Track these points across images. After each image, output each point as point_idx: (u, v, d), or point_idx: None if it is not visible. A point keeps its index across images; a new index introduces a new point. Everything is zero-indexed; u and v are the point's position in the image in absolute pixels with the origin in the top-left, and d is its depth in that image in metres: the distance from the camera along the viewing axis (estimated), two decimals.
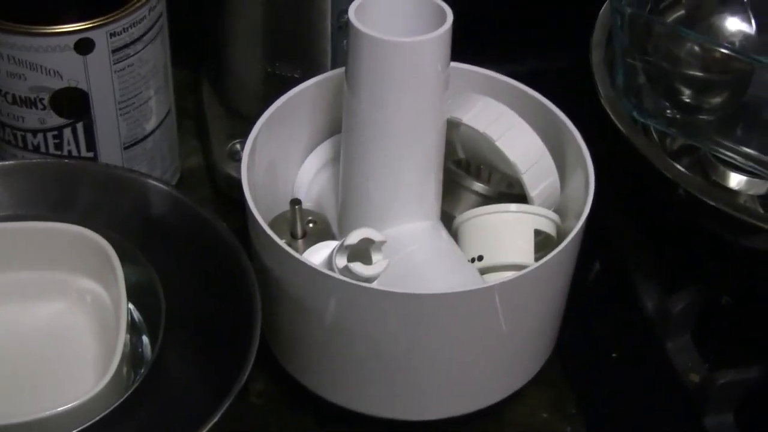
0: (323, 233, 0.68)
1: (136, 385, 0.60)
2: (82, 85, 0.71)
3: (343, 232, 0.67)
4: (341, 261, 0.60)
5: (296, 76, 0.77)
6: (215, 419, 0.57)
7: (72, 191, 0.69)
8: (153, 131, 0.76)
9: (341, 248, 0.60)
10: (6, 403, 0.62)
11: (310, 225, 0.68)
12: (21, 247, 0.65)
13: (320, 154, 0.72)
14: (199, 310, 0.64)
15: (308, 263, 0.61)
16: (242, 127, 0.80)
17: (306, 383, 0.67)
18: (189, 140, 0.85)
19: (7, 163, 0.71)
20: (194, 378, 0.62)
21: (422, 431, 0.66)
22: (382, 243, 0.60)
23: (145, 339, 0.65)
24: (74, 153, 0.74)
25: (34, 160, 0.72)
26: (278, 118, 0.69)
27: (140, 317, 0.66)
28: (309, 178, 0.71)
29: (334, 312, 0.62)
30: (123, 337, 0.61)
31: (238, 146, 0.80)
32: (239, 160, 0.79)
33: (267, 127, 0.68)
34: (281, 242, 0.61)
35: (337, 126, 0.70)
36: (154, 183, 0.69)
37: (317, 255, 0.63)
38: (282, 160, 0.70)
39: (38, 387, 0.63)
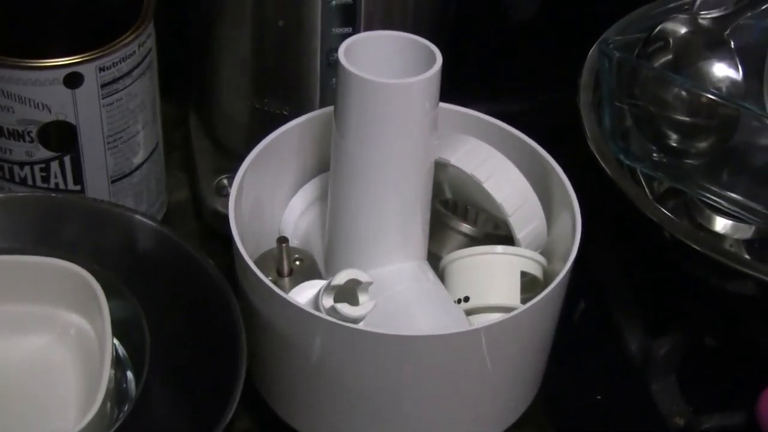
0: (310, 271, 0.68)
1: (119, 422, 0.60)
2: (71, 119, 0.71)
3: (330, 270, 0.67)
4: (328, 301, 0.60)
5: (285, 112, 0.77)
6: None
7: (58, 225, 0.68)
8: (140, 165, 0.76)
9: (328, 288, 0.60)
10: None
11: (297, 263, 0.68)
12: (5, 280, 0.65)
13: (307, 192, 0.72)
14: (184, 347, 0.64)
15: (294, 302, 0.61)
16: (229, 161, 0.80)
17: (291, 421, 0.66)
18: (176, 173, 0.85)
19: None
20: (178, 416, 0.62)
21: None
22: (369, 284, 0.60)
23: (129, 375, 0.65)
24: (61, 186, 0.74)
25: (20, 194, 0.71)
26: (266, 155, 0.69)
27: (125, 352, 0.65)
28: (296, 215, 0.71)
29: (320, 351, 0.62)
30: (107, 372, 0.60)
31: (225, 181, 0.80)
32: (226, 195, 0.80)
33: (255, 164, 0.68)
34: (267, 281, 0.61)
35: (325, 164, 0.70)
36: (141, 218, 0.69)
37: (303, 294, 0.63)
38: (269, 197, 0.70)
39: (21, 421, 0.63)
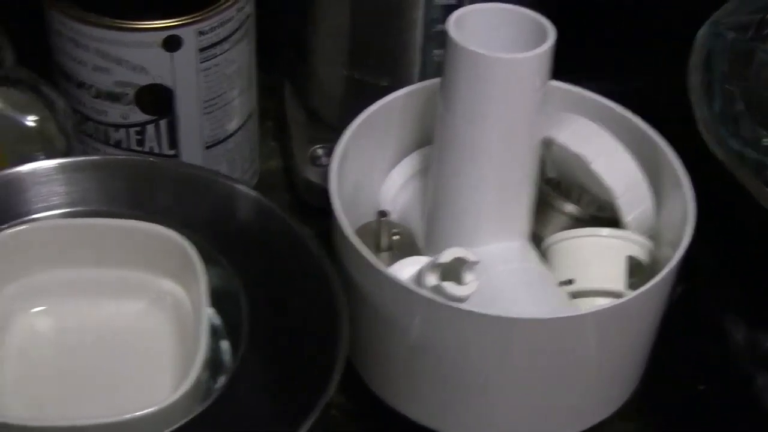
0: (407, 247, 0.67)
1: (218, 393, 0.58)
2: (168, 83, 0.71)
3: (430, 247, 0.66)
4: (432, 279, 0.59)
5: (383, 84, 0.76)
6: None
7: (154, 190, 0.67)
8: (235, 132, 0.75)
9: (433, 266, 0.59)
10: (81, 403, 0.61)
11: (395, 237, 0.67)
12: (102, 244, 0.64)
13: (407, 166, 0.70)
14: (282, 318, 0.62)
15: (397, 279, 0.59)
16: (324, 132, 0.79)
17: (385, 398, 0.65)
18: (269, 142, 0.84)
19: (91, 158, 0.70)
20: (275, 390, 0.60)
21: None
22: (475, 263, 0.59)
23: (223, 345, 0.64)
24: (156, 150, 0.73)
25: (118, 157, 0.71)
26: (367, 126, 0.67)
27: (220, 322, 0.64)
28: (395, 189, 0.70)
29: (420, 330, 0.61)
30: (205, 342, 0.59)
31: (319, 151, 0.79)
32: (320, 166, 0.79)
33: (356, 135, 0.67)
34: (369, 254, 0.60)
35: (426, 138, 0.69)
36: (242, 187, 0.67)
37: (405, 270, 0.62)
38: (368, 169, 0.69)
39: (114, 388, 0.62)
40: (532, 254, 0.65)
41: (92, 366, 0.63)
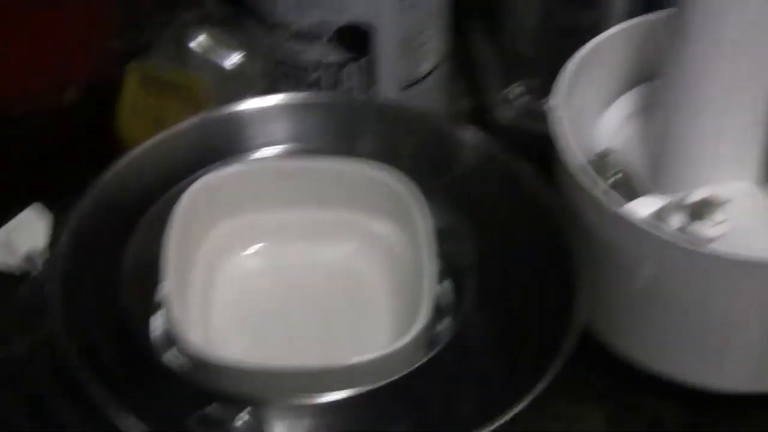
0: (630, 186, 0.64)
1: (444, 342, 0.56)
2: (368, 21, 0.68)
3: (658, 187, 0.63)
4: (678, 220, 0.56)
5: (580, 21, 0.73)
6: (535, 393, 0.52)
7: (374, 131, 0.65)
8: (430, 72, 0.73)
9: (678, 206, 0.56)
10: (299, 346, 0.59)
11: (617, 176, 0.64)
12: (318, 185, 0.62)
13: (626, 104, 0.67)
14: (508, 261, 0.60)
15: (635, 219, 0.57)
16: (518, 70, 0.77)
17: (616, 348, 0.63)
18: (457, 82, 0.81)
19: (297, 96, 0.67)
20: (505, 339, 0.58)
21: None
22: (725, 203, 0.56)
23: (443, 287, 0.60)
24: (353, 91, 0.71)
25: (345, 96, 0.69)
26: (587, 62, 0.65)
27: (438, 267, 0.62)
28: (612, 128, 0.67)
29: (655, 273, 0.58)
30: (432, 286, 0.57)
31: (516, 90, 0.76)
32: (514, 105, 0.76)
33: (575, 73, 0.64)
34: (605, 196, 0.57)
35: (643, 75, 0.66)
36: (461, 129, 0.64)
37: (641, 210, 0.59)
38: (587, 107, 0.66)
39: (329, 330, 0.60)
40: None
41: (306, 308, 0.61)
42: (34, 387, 0.65)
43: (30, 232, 0.70)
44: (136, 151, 0.62)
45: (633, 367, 0.63)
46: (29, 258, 0.68)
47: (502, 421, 0.50)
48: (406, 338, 0.55)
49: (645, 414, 0.65)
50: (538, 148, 0.74)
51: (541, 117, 0.75)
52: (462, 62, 0.81)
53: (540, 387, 0.52)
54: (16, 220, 0.71)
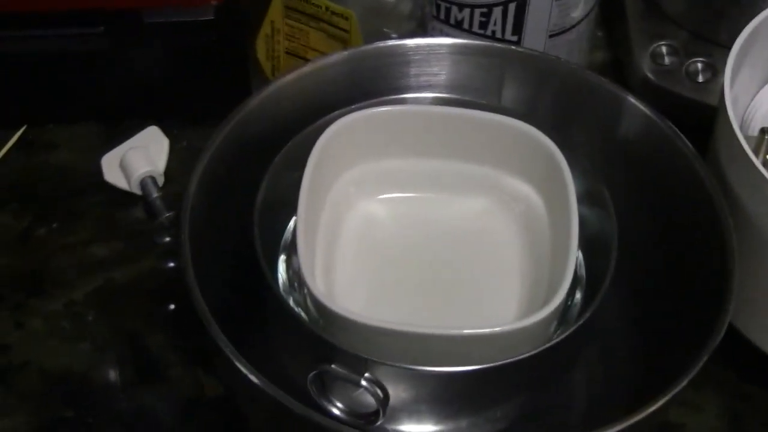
0: None
1: (586, 316, 0.53)
2: None
3: None
4: None
5: None
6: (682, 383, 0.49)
7: (518, 83, 0.62)
8: (579, 21, 0.70)
9: None
10: (421, 307, 0.57)
11: None
12: (461, 135, 0.59)
13: None
14: (654, 240, 0.58)
15: None
16: (667, 29, 0.74)
17: (748, 333, 0.61)
18: (595, 33, 0.77)
19: (480, 43, 0.65)
20: (639, 323, 0.56)
21: None
22: None
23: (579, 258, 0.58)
24: (498, 35, 0.68)
25: (515, 48, 0.65)
26: (755, 37, 0.61)
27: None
28: None
29: None
30: (574, 257, 0.54)
31: (663, 49, 0.73)
32: (660, 64, 0.73)
33: (743, 48, 0.60)
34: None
35: None
36: (627, 94, 0.60)
37: None
38: (746, 83, 0.62)
39: (455, 288, 0.58)
40: None
41: (433, 265, 0.59)
42: (133, 320, 0.64)
43: (146, 156, 0.68)
44: (278, 83, 0.59)
45: (756, 355, 0.61)
46: (144, 182, 0.66)
47: (647, 412, 0.48)
48: (543, 312, 0.52)
49: (765, 405, 0.63)
50: (678, 110, 0.71)
51: (682, 79, 0.72)
52: (604, 12, 0.78)
53: (688, 377, 0.49)
54: (131, 141, 0.70)
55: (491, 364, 0.50)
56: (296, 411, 0.47)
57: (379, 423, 0.50)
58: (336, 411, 0.50)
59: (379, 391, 0.50)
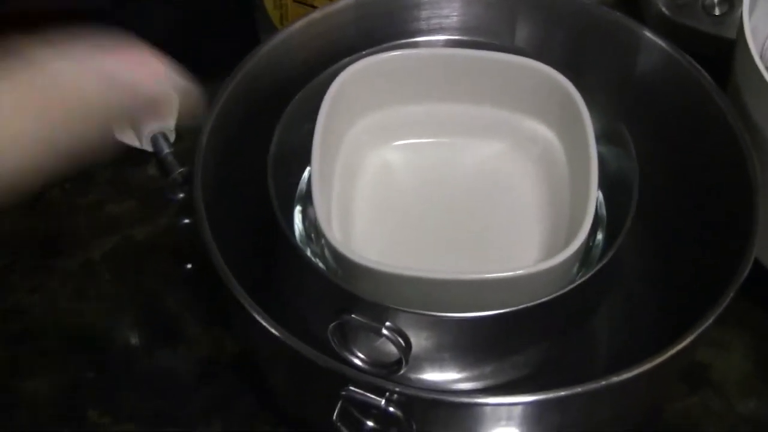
0: None
1: (605, 260, 0.52)
2: None
3: None
4: None
5: None
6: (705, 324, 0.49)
7: (547, 26, 0.61)
8: None
9: None
10: (440, 253, 0.56)
11: None
12: (476, 78, 0.58)
13: None
14: (676, 179, 0.57)
15: None
16: None
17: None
18: None
19: None
20: (662, 263, 0.55)
21: None
22: None
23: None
24: None
25: None
26: None
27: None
28: None
29: None
30: (594, 198, 0.53)
31: None
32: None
33: None
34: None
35: None
36: (626, 20, 0.60)
37: None
38: (761, 12, 0.61)
39: (475, 236, 0.57)
40: None
41: (450, 210, 0.58)
42: (151, 278, 0.64)
43: (157, 113, 0.67)
44: (286, 31, 0.58)
45: None
46: (155, 139, 0.65)
47: (674, 351, 0.47)
48: (564, 254, 0.51)
49: None
50: (695, 45, 0.70)
51: (698, 13, 0.71)
52: None
53: (715, 314, 0.49)
54: None
55: (514, 308, 0.49)
56: (318, 363, 0.47)
57: (402, 372, 0.49)
58: (358, 361, 0.49)
59: (401, 340, 0.49)
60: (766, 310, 0.62)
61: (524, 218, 0.57)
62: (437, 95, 0.59)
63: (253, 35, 0.69)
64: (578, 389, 0.46)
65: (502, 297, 0.51)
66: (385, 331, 0.49)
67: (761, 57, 0.61)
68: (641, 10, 0.73)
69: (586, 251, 0.54)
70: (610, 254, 0.52)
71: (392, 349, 0.49)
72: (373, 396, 0.46)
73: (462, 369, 0.54)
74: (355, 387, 0.46)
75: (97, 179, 0.68)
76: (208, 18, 0.69)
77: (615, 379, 0.46)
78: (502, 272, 0.50)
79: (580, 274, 0.53)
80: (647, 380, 0.48)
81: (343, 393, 0.46)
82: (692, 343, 0.48)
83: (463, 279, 0.51)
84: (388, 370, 0.49)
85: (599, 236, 0.56)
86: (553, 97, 0.57)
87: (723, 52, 0.61)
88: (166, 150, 0.65)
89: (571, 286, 0.51)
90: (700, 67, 0.57)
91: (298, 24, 0.58)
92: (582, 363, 0.59)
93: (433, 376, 0.53)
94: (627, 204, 0.54)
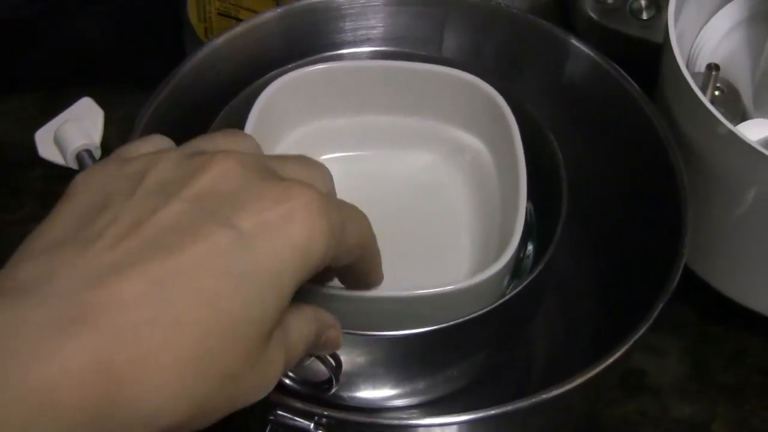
0: (731, 104, 0.60)
1: (539, 268, 0.51)
2: None
3: (761, 107, 0.59)
4: None
5: None
6: (647, 324, 0.48)
7: (460, 32, 0.60)
8: None
9: None
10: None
11: (716, 92, 0.60)
12: (404, 88, 0.57)
13: (732, 12, 0.62)
14: (605, 181, 0.56)
15: (751, 142, 0.52)
16: None
17: (703, 274, 0.60)
18: None
19: None
20: (594, 272, 0.54)
21: None
22: None
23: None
24: None
25: None
26: None
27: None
28: (716, 39, 0.62)
29: (760, 199, 0.54)
30: (523, 206, 0.52)
31: None
32: (603, 3, 0.71)
33: None
34: (720, 114, 0.53)
35: None
36: (553, 29, 0.59)
37: (753, 131, 0.55)
38: (691, 17, 0.61)
39: (407, 249, 0.55)
40: None
41: (382, 223, 0.56)
42: None
43: (80, 129, 0.66)
44: (210, 46, 0.57)
45: (715, 297, 0.60)
46: (80, 157, 0.64)
47: (608, 362, 0.47)
48: (494, 268, 0.50)
49: (727, 346, 0.62)
50: (625, 49, 0.70)
51: (626, 17, 0.71)
52: None
53: (646, 324, 0.48)
54: (65, 114, 0.67)
55: (444, 325, 0.49)
56: None
57: (333, 392, 0.48)
58: (288, 381, 0.49)
59: (331, 360, 0.48)
60: (701, 314, 0.62)
61: (455, 230, 0.56)
62: (365, 108, 0.58)
63: (180, 49, 0.68)
64: (508, 407, 0.45)
65: (433, 312, 0.50)
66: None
67: (688, 62, 0.61)
68: (572, 15, 0.73)
69: (518, 262, 0.54)
70: (540, 267, 0.51)
71: (321, 367, 0.48)
72: (301, 420, 0.45)
73: (396, 384, 0.53)
74: (283, 411, 0.45)
75: (25, 196, 0.67)
76: (135, 30, 0.68)
77: (544, 396, 0.45)
78: (431, 288, 0.49)
79: (511, 285, 0.53)
80: (581, 393, 0.47)
81: (271, 418, 0.45)
82: (625, 354, 0.48)
83: (390, 296, 0.49)
84: (319, 390, 0.49)
85: (530, 247, 0.55)
86: (480, 107, 0.56)
87: (652, 56, 0.61)
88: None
89: (502, 301, 0.50)
90: (626, 75, 0.57)
91: (221, 39, 0.57)
92: (519, 371, 0.59)
93: (366, 393, 0.53)
94: (557, 214, 0.53)
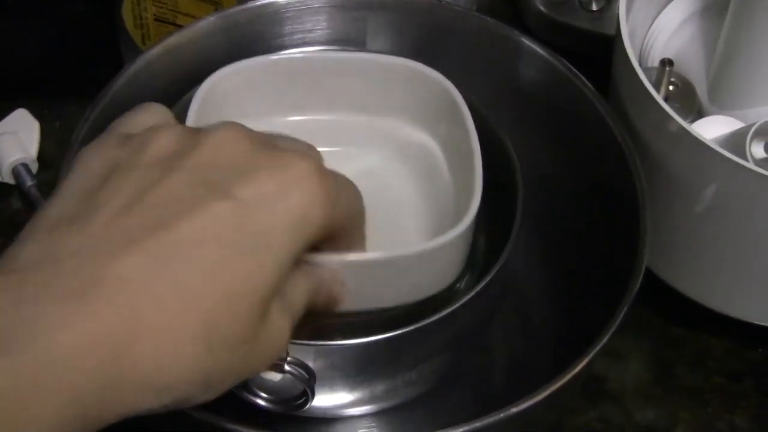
0: (686, 99, 0.58)
1: (493, 271, 0.49)
2: None
3: (716, 103, 0.57)
4: (761, 150, 0.51)
5: None
6: (611, 330, 0.47)
7: (408, 32, 0.59)
8: None
9: (760, 132, 0.51)
10: None
11: (671, 88, 0.58)
12: (348, 82, 0.54)
13: (684, 5, 0.61)
14: (560, 177, 0.55)
15: (708, 142, 0.51)
16: None
17: (659, 273, 0.59)
18: None
19: None
20: (552, 274, 0.53)
21: None
22: None
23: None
24: None
25: None
26: None
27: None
28: (668, 32, 0.61)
29: (716, 198, 0.53)
30: (479, 190, 0.49)
31: None
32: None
33: None
34: (674, 113, 0.51)
35: None
36: (501, 27, 0.57)
37: (708, 130, 0.54)
38: (642, 9, 0.60)
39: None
40: None
41: None
42: None
43: (16, 143, 0.64)
44: (146, 56, 0.55)
45: (677, 299, 0.59)
46: (17, 171, 0.62)
47: (575, 371, 0.46)
48: (455, 231, 0.47)
49: (690, 348, 0.61)
50: (577, 43, 0.69)
51: (576, 9, 0.70)
52: None
53: (609, 332, 0.47)
54: None
55: (398, 332, 0.47)
56: (194, 415, 0.44)
57: (308, 406, 0.46)
58: (262, 402, 0.46)
59: (303, 372, 0.46)
60: (663, 318, 0.61)
61: (407, 231, 0.54)
62: (308, 103, 0.55)
63: (117, 58, 0.66)
64: (476, 424, 0.44)
65: (392, 284, 0.48)
66: (287, 367, 0.46)
67: (640, 57, 0.60)
68: (521, 9, 0.71)
69: (473, 252, 0.51)
70: (498, 265, 0.50)
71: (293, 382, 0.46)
72: None
73: (353, 389, 0.52)
74: None
75: None
76: (72, 39, 0.66)
77: (502, 415, 0.44)
78: (400, 251, 0.47)
79: (465, 278, 0.51)
80: (544, 406, 0.46)
81: None
82: (590, 362, 0.47)
83: (361, 260, 0.46)
84: (294, 407, 0.46)
85: (482, 241, 0.53)
86: (433, 100, 0.54)
87: (605, 49, 0.60)
88: (30, 182, 0.62)
89: (460, 303, 0.48)
90: (578, 73, 0.55)
91: (157, 48, 0.55)
92: (479, 378, 0.58)
93: (323, 398, 0.50)
94: (512, 216, 0.52)
